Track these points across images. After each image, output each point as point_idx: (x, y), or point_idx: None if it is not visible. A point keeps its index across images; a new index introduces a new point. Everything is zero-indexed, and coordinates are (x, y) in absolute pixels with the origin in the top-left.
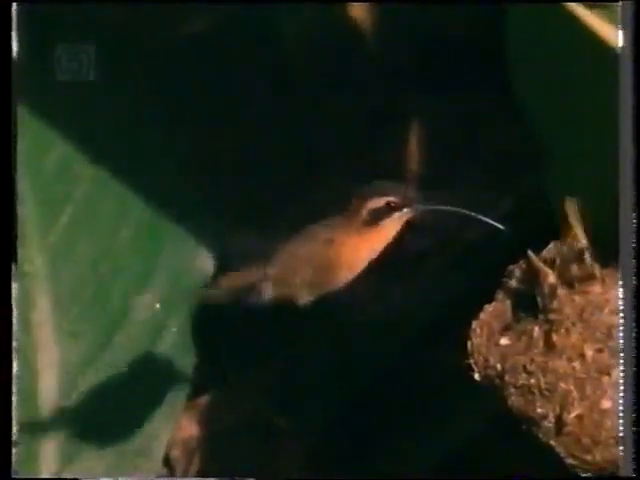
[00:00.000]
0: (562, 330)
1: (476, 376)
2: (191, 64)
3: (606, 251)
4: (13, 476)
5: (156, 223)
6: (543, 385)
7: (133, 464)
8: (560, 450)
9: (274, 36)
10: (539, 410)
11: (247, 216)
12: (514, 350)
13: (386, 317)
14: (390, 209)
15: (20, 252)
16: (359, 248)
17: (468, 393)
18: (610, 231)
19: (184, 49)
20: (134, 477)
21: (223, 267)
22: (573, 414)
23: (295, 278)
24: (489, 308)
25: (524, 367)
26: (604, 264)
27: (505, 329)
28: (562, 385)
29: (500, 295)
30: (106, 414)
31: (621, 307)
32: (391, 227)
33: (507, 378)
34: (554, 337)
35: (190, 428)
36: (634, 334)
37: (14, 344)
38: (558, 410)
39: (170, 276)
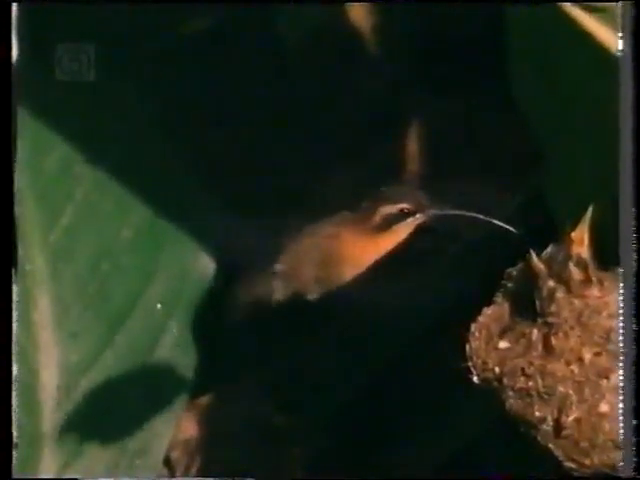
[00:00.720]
0: (560, 333)
1: (475, 379)
2: (191, 64)
3: (605, 254)
4: (14, 476)
5: (157, 223)
6: (541, 388)
7: (133, 464)
8: (558, 453)
9: (274, 37)
10: (537, 413)
11: (250, 216)
12: (513, 353)
13: (385, 319)
14: (403, 215)
15: (21, 252)
16: (368, 249)
17: (467, 396)
18: (610, 233)
19: (184, 49)
20: (134, 477)
21: (229, 267)
22: (571, 417)
23: (303, 274)
24: (488, 311)
25: (522, 370)
26: (603, 267)
27: (504, 332)
28: (560, 388)
29: (499, 298)
30: (106, 414)
31: (621, 309)
32: (403, 232)
33: (506, 381)
34: (553, 340)
35: (191, 428)
36: (633, 337)
37: (14, 344)
38: (556, 413)
39: (171, 276)
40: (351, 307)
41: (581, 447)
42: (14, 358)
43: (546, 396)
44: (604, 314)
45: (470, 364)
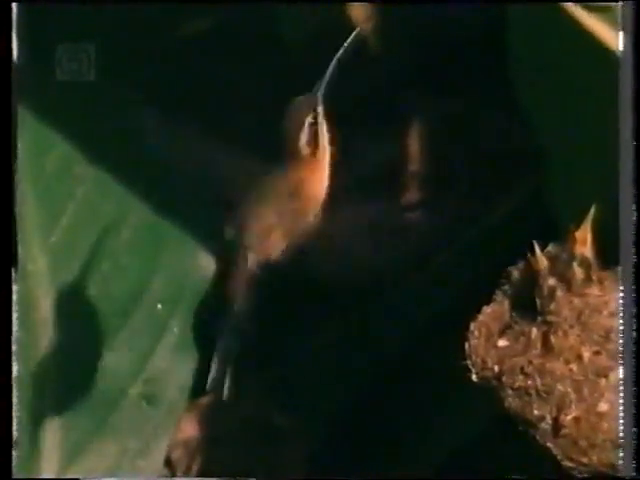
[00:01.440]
0: (560, 332)
1: (474, 377)
2: (191, 64)
3: (605, 253)
4: (13, 476)
5: (157, 223)
6: (540, 387)
7: (134, 465)
8: (557, 452)
9: (274, 37)
10: (536, 412)
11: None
12: (512, 352)
13: (385, 318)
14: (313, 124)
15: (22, 252)
16: (312, 176)
17: (466, 394)
18: (610, 232)
19: (184, 49)
20: (135, 477)
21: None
22: (570, 416)
23: (270, 235)
24: (487, 309)
25: (522, 369)
26: (603, 266)
27: (503, 331)
28: (559, 387)
29: (499, 296)
30: (107, 414)
31: (621, 309)
32: (323, 139)
33: (505, 380)
34: (552, 339)
35: (191, 429)
36: (634, 336)
37: (15, 344)
38: (555, 412)
39: (171, 276)
40: (351, 307)
41: (580, 446)
42: (15, 358)
43: (545, 395)
44: (604, 313)
45: (469, 362)
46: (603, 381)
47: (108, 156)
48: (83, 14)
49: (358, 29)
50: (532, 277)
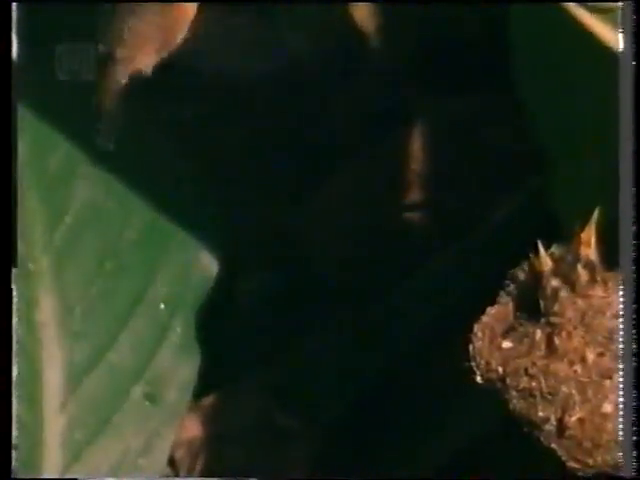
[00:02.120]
0: (564, 333)
1: (478, 379)
2: (192, 63)
3: (608, 254)
4: (14, 476)
5: (160, 223)
6: (545, 388)
7: (137, 464)
8: (561, 453)
9: (276, 37)
10: (540, 413)
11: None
12: (516, 353)
13: (387, 319)
14: None
15: (24, 252)
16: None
17: (470, 396)
18: (611, 233)
19: (184, 49)
20: (138, 477)
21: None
22: (574, 417)
23: (141, 48)
24: (491, 311)
25: (526, 370)
26: (607, 267)
27: (507, 332)
28: (563, 388)
29: (502, 298)
30: (110, 414)
31: (621, 310)
32: None
33: (509, 381)
34: (556, 340)
35: (195, 428)
36: (634, 337)
37: (16, 344)
38: (559, 413)
39: (174, 276)
40: (353, 308)
41: (584, 447)
42: (16, 358)
43: (549, 396)
44: (608, 314)
45: (473, 364)
46: (607, 382)
47: (111, 156)
48: (83, 14)
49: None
50: (536, 278)
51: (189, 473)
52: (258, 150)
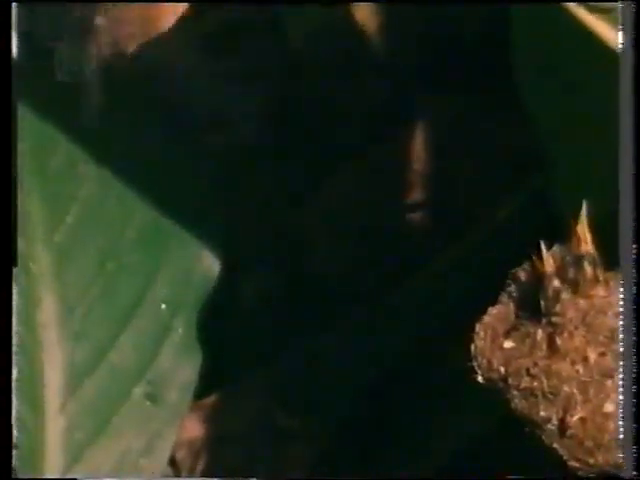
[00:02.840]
0: (565, 333)
1: (479, 379)
2: (192, 63)
3: (609, 254)
4: (13, 476)
5: (161, 223)
6: (546, 388)
7: (138, 464)
8: (563, 453)
9: (278, 37)
10: (542, 413)
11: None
12: (518, 353)
13: (389, 319)
14: None
15: (25, 252)
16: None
17: (472, 395)
18: (612, 233)
19: (185, 49)
20: (139, 477)
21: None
22: (576, 417)
23: (124, 28)
24: (493, 311)
25: (527, 370)
26: (608, 267)
27: (509, 332)
28: (565, 388)
29: (504, 298)
30: (111, 414)
31: (622, 309)
32: None
33: (510, 381)
34: (557, 340)
35: (196, 429)
36: (634, 337)
37: (16, 344)
38: (561, 413)
39: (175, 276)
40: (354, 308)
41: (586, 447)
42: (17, 358)
43: (551, 396)
44: (609, 314)
45: (475, 364)
46: (609, 382)
47: (112, 156)
48: (83, 14)
49: None
50: (537, 278)
51: (190, 473)
52: (258, 150)
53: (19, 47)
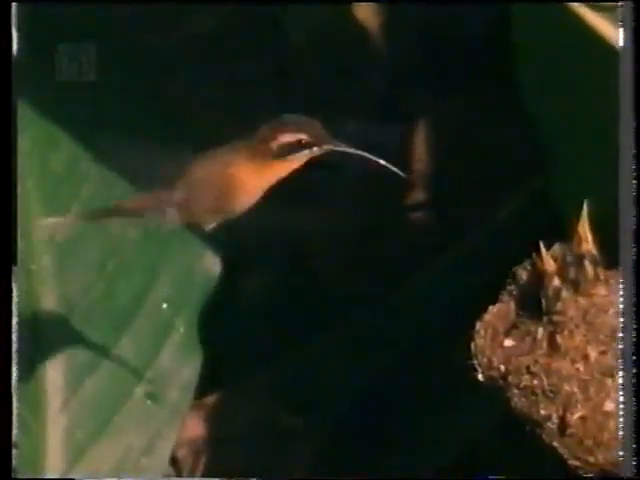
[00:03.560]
0: (566, 332)
1: (480, 377)
2: (192, 63)
3: (610, 253)
4: (14, 476)
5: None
6: (546, 386)
7: (139, 463)
8: (563, 451)
9: (279, 36)
10: (542, 411)
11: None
12: (518, 351)
13: (390, 318)
14: (301, 146)
15: (26, 251)
16: (260, 176)
17: (472, 394)
18: (613, 232)
19: (185, 48)
20: (140, 477)
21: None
22: (576, 416)
23: (199, 203)
24: (493, 309)
25: (528, 368)
26: (608, 266)
27: (509, 330)
28: (565, 387)
29: (504, 296)
30: (112, 413)
31: (622, 308)
32: (296, 163)
33: (511, 379)
34: (558, 339)
35: (197, 428)
36: (634, 336)
37: (16, 344)
38: (561, 411)
39: (177, 276)
40: (356, 308)
41: (586, 445)
42: (18, 358)
43: (551, 394)
44: (610, 312)
45: (475, 362)
46: (609, 380)
47: (113, 156)
48: (83, 14)
49: None
50: (538, 277)
51: (191, 473)
52: None
53: (19, 47)
